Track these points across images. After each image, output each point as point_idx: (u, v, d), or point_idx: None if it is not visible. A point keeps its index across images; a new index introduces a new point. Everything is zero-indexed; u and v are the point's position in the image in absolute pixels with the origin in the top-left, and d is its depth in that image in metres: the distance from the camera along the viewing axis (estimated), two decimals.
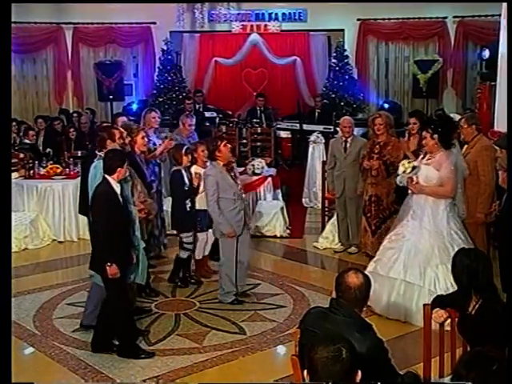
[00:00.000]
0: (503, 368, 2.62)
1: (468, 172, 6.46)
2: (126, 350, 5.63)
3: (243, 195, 6.82)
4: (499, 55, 9.12)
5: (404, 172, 6.07)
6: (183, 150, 7.13)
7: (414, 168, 6.03)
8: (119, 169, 5.40)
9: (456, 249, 5.06)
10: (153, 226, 7.27)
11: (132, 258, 5.64)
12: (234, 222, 6.59)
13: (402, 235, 6.24)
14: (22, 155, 9.92)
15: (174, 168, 7.16)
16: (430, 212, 6.05)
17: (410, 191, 6.21)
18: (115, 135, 6.27)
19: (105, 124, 9.39)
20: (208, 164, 6.95)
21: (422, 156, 6.24)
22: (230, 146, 6.72)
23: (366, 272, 6.42)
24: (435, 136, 5.94)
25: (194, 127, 9.11)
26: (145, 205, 6.23)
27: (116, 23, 14.19)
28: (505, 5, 8.73)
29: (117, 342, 5.67)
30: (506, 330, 3.63)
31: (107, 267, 5.32)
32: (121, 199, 5.45)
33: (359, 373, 2.73)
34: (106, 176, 5.42)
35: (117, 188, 5.42)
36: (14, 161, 9.90)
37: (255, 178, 9.93)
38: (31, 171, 9.54)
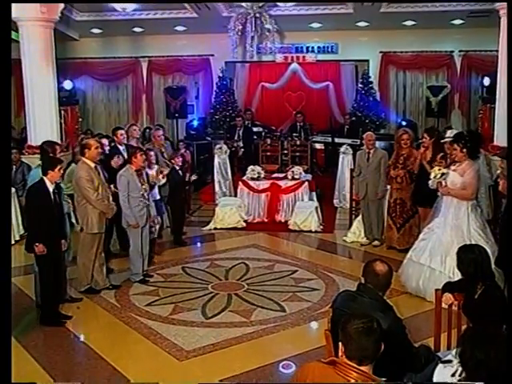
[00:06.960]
0: (498, 341, 2.57)
1: (501, 188, 6.35)
2: (47, 318, 5.67)
3: (146, 195, 6.91)
4: (498, 82, 8.95)
5: (434, 177, 6.04)
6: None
7: (442, 174, 5.99)
8: (49, 171, 5.56)
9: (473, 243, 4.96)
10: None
11: (60, 241, 5.72)
12: (139, 216, 6.77)
13: (432, 229, 6.23)
14: None
15: None
16: (453, 211, 6.01)
17: (439, 193, 6.16)
18: (57, 150, 6.84)
19: (84, 136, 9.96)
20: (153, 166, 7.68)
21: (451, 163, 6.20)
22: (144, 157, 6.87)
23: (406, 259, 6.37)
24: (464, 150, 5.90)
25: (163, 137, 9.19)
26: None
27: (182, 56, 14.31)
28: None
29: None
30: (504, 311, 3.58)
31: (35, 246, 5.49)
32: (52, 196, 5.56)
33: (382, 345, 2.67)
34: (43, 176, 5.58)
35: (50, 187, 5.56)
36: None
37: (294, 182, 9.93)
38: None
